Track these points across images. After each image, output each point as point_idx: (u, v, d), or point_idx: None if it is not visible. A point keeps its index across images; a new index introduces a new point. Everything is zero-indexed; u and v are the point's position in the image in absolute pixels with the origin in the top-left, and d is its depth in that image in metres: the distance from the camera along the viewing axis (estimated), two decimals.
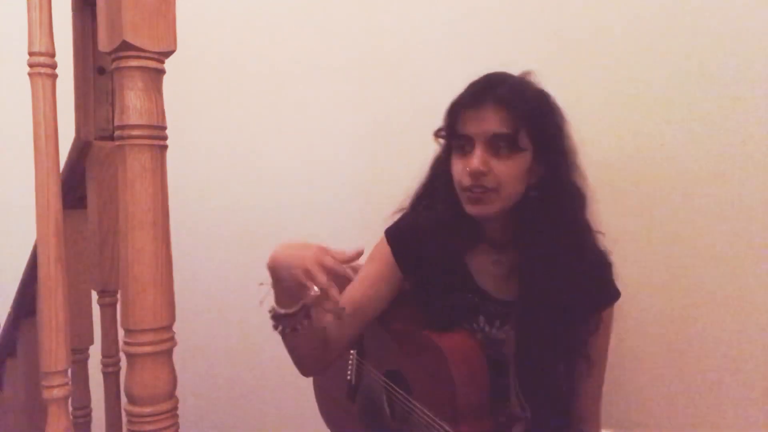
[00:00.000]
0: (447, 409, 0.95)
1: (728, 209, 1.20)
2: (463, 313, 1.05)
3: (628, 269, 1.23)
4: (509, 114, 0.95)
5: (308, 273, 0.83)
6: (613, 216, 1.30)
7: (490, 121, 0.95)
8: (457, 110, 0.99)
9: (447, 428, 0.93)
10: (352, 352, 1.17)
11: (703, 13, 1.22)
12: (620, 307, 1.13)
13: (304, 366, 1.06)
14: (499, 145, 0.95)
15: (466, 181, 0.97)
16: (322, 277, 0.82)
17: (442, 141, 1.08)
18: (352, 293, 1.05)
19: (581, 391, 1.07)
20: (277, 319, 0.93)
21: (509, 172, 0.96)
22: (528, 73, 1.03)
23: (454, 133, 1.00)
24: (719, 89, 1.20)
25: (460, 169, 0.99)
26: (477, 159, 0.95)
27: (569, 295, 0.97)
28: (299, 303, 0.89)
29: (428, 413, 0.96)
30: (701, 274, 1.23)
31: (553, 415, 1.02)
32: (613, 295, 1.06)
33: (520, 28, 1.46)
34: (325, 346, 1.03)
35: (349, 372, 1.17)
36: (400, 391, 1.04)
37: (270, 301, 0.94)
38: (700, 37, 1.22)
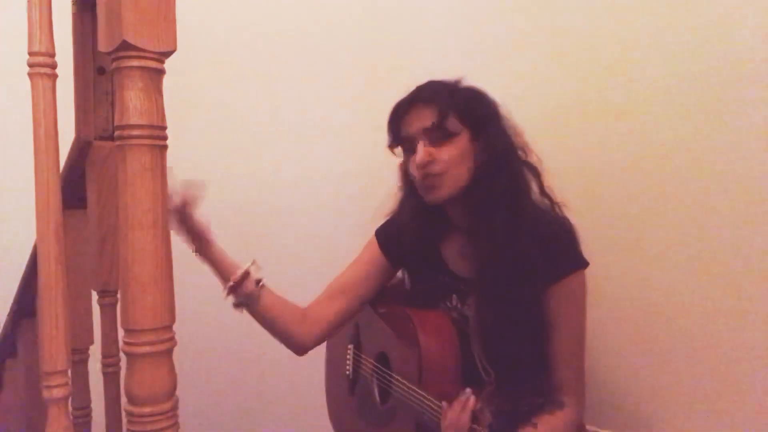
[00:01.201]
0: (414, 371, 1.04)
1: (728, 208, 1.20)
2: (439, 293, 1.17)
3: (626, 269, 1.23)
4: (434, 107, 1.07)
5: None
6: (613, 214, 1.31)
7: (421, 118, 1.08)
8: (395, 119, 1.13)
9: (415, 389, 1.03)
10: (350, 346, 1.24)
11: (703, 12, 1.22)
12: (615, 307, 1.13)
13: (289, 342, 1.18)
14: (435, 135, 1.07)
15: (418, 173, 1.09)
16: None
17: (397, 155, 1.18)
18: (343, 273, 1.24)
19: (554, 361, 1.10)
20: (230, 294, 1.14)
21: (451, 156, 1.07)
22: (460, 79, 1.13)
23: (398, 138, 1.13)
24: (719, 89, 1.20)
25: (411, 167, 1.11)
26: (420, 152, 1.07)
27: (519, 267, 1.04)
28: (236, 272, 1.13)
29: (402, 380, 1.06)
30: (701, 273, 1.23)
31: (517, 381, 1.05)
32: (575, 263, 1.09)
33: (520, 28, 1.47)
34: (301, 318, 1.17)
35: (348, 367, 1.24)
36: (384, 369, 1.13)
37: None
38: (701, 37, 1.22)
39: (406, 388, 1.06)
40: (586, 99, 1.36)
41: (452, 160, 1.07)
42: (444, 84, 1.12)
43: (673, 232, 1.27)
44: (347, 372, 1.26)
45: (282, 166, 1.96)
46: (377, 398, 1.17)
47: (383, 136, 1.74)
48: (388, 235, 1.26)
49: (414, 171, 1.10)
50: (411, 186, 1.16)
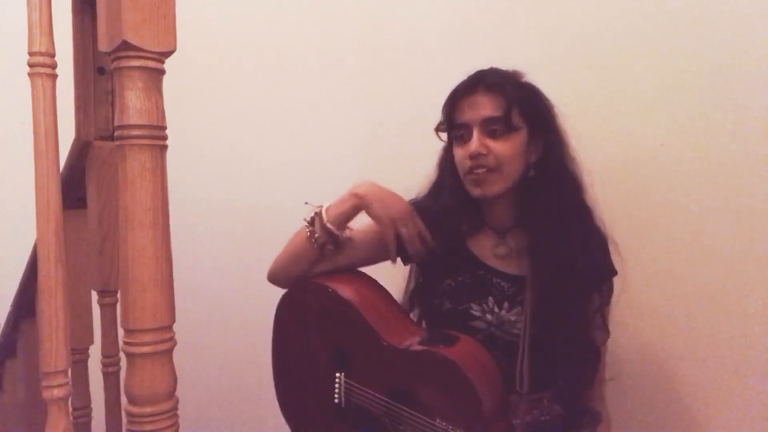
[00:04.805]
0: (474, 422, 0.95)
1: (728, 209, 1.20)
2: (474, 291, 1.08)
3: (627, 269, 1.22)
4: (500, 97, 1.02)
5: (403, 221, 1.05)
6: (613, 216, 1.31)
7: (483, 107, 1.02)
8: (453, 102, 1.06)
9: None
10: (338, 375, 1.11)
11: (703, 12, 1.22)
12: (620, 306, 1.13)
13: (285, 269, 1.16)
14: (494, 128, 1.02)
15: (468, 164, 1.03)
16: (414, 231, 1.06)
17: (443, 139, 1.13)
18: (353, 236, 1.16)
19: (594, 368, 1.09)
20: (325, 233, 1.09)
21: (507, 151, 1.02)
22: (521, 73, 1.08)
23: (452, 123, 1.07)
24: (719, 89, 1.20)
25: (461, 156, 1.05)
26: (475, 142, 1.02)
27: (581, 270, 1.00)
28: (346, 231, 1.11)
29: (452, 429, 0.96)
30: (701, 274, 1.23)
31: (573, 388, 1.04)
32: (612, 270, 1.09)
33: (521, 28, 1.47)
34: (313, 266, 1.15)
35: (336, 395, 1.11)
36: (411, 411, 1.01)
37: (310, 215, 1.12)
38: (700, 37, 1.22)
39: None
40: (585, 100, 1.36)
41: (508, 155, 1.01)
42: (509, 74, 1.06)
43: (675, 231, 1.27)
44: (336, 400, 1.11)
45: (282, 165, 1.96)
46: (391, 430, 1.05)
47: (383, 136, 1.75)
48: None
49: (463, 160, 1.04)
50: (453, 174, 1.09)
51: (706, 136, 1.22)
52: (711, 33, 1.21)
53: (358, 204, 1.09)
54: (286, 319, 1.21)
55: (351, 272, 1.19)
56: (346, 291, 1.12)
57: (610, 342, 1.12)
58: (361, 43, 1.77)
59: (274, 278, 1.19)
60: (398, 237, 1.06)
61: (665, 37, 1.27)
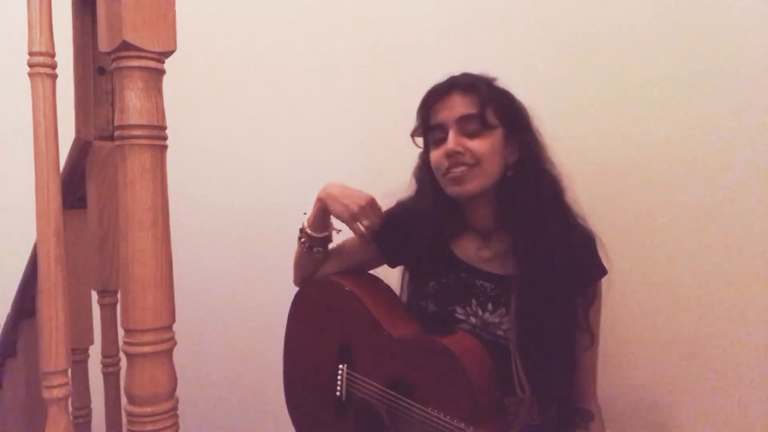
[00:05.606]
0: (466, 411, 0.95)
1: (725, 209, 1.20)
2: (457, 293, 1.08)
3: (627, 269, 1.23)
4: (474, 96, 1.03)
5: (363, 214, 1.10)
6: (612, 216, 1.31)
7: (457, 106, 1.03)
8: (427, 105, 1.07)
9: (467, 429, 0.94)
10: (341, 366, 1.13)
11: (703, 13, 1.22)
12: (618, 307, 1.13)
13: (296, 272, 1.26)
14: (470, 127, 1.02)
15: (445, 163, 1.03)
16: (372, 218, 1.11)
17: (419, 145, 1.15)
18: (344, 244, 1.23)
19: (581, 367, 1.09)
20: (307, 237, 1.17)
21: (485, 148, 1.02)
22: (494, 78, 1.09)
23: (428, 126, 1.08)
24: (718, 90, 1.20)
25: (437, 156, 1.05)
26: (451, 141, 1.02)
27: (563, 268, 1.00)
28: (328, 231, 1.18)
29: (445, 418, 0.97)
30: (701, 274, 1.23)
31: (555, 391, 1.04)
32: (601, 270, 1.08)
33: (520, 28, 1.46)
34: (318, 266, 1.23)
35: (338, 388, 1.12)
36: (407, 400, 1.02)
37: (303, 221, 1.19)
38: (700, 38, 1.22)
39: (453, 427, 0.97)
40: (585, 100, 1.36)
41: (486, 152, 1.02)
42: (482, 77, 1.07)
43: (681, 233, 1.27)
44: (338, 393, 1.13)
45: (282, 165, 1.96)
46: (388, 422, 1.07)
47: (383, 137, 1.75)
48: (386, 231, 1.15)
49: (439, 161, 1.04)
50: (431, 179, 1.10)
51: (706, 137, 1.22)
52: (711, 33, 1.21)
53: (322, 207, 1.14)
54: (297, 314, 1.26)
55: (359, 271, 1.24)
56: (351, 285, 1.17)
57: (604, 343, 1.12)
58: (362, 44, 1.77)
59: (295, 281, 1.27)
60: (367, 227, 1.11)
61: (664, 37, 1.27)
